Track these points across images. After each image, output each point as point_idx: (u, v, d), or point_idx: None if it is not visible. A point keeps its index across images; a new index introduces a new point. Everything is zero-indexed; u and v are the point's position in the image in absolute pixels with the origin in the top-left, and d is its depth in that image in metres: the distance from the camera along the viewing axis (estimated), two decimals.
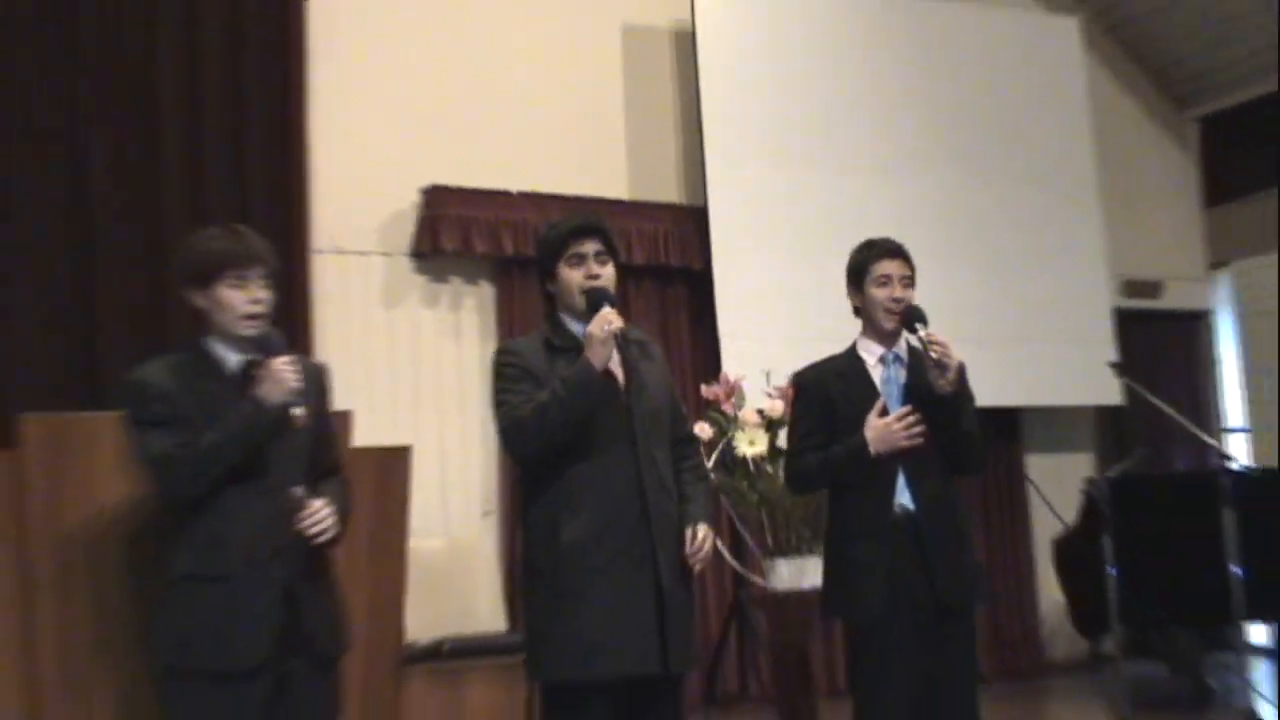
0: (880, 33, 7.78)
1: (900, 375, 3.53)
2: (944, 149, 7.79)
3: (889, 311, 3.50)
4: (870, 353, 3.57)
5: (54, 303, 5.93)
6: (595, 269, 3.17)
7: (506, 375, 3.15)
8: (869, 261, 3.55)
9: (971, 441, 3.51)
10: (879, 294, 3.52)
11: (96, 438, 3.24)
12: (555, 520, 3.07)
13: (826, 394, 3.54)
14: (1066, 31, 8.40)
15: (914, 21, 7.91)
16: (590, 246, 3.18)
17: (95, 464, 3.22)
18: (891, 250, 3.56)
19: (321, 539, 2.93)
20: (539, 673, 3.11)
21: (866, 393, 3.48)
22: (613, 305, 3.09)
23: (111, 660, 3.19)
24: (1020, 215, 7.92)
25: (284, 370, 2.88)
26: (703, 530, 3.20)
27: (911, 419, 3.37)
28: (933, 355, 3.38)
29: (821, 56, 7.58)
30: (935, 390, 3.40)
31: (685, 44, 7.37)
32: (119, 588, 3.19)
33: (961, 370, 3.46)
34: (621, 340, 3.12)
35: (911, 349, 3.55)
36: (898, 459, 3.40)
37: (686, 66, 7.36)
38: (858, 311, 3.62)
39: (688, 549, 3.16)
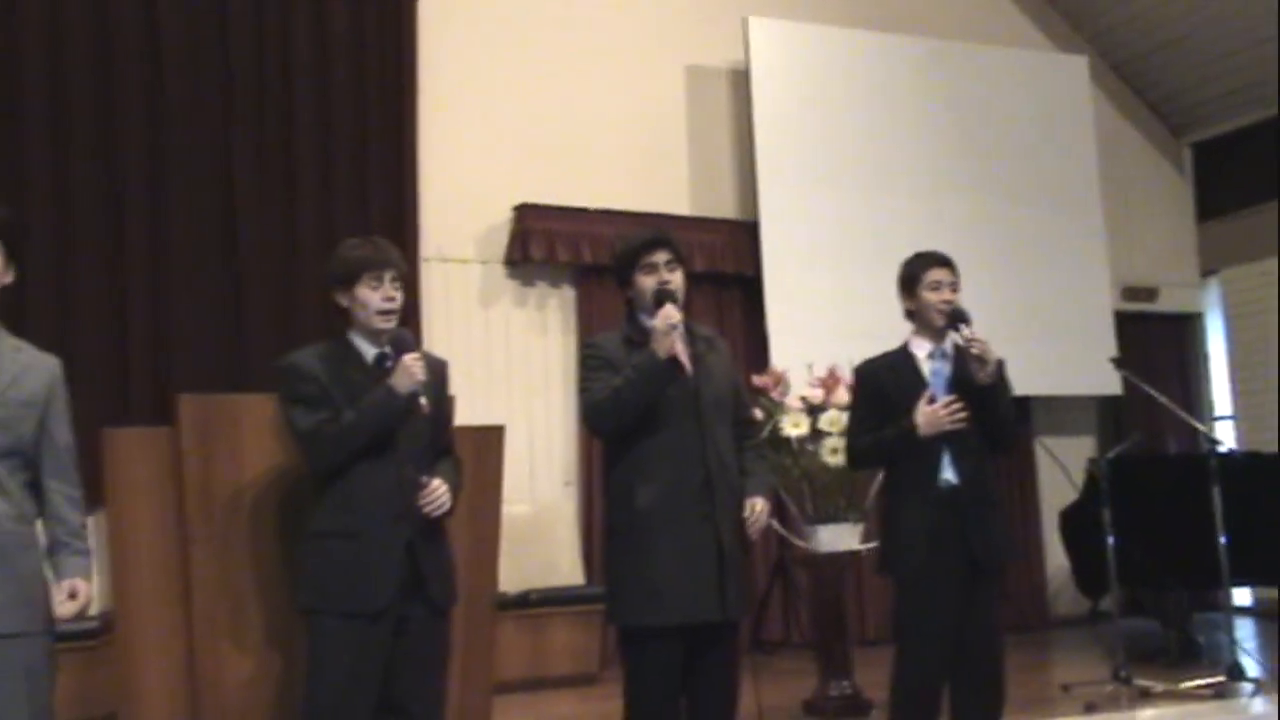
0: (912, 71, 7.69)
1: (946, 368, 3.48)
2: (968, 171, 7.69)
3: (941, 312, 3.44)
4: (920, 349, 3.52)
5: (207, 299, 6.04)
6: (666, 275, 3.15)
7: (590, 365, 3.16)
8: (922, 270, 3.49)
9: (1006, 425, 3.49)
10: (932, 297, 3.46)
11: (240, 415, 3.25)
12: (631, 486, 3.08)
13: (880, 385, 3.52)
14: (1076, 69, 8.26)
15: (942, 61, 7.81)
16: (661, 256, 3.16)
17: (240, 437, 3.23)
18: (942, 260, 3.51)
19: (438, 514, 2.95)
20: (617, 618, 3.11)
21: (916, 383, 3.45)
22: (675, 303, 3.08)
23: (256, 604, 3.21)
24: (1034, 229, 7.80)
25: (414, 364, 2.89)
26: (761, 503, 3.19)
27: (955, 406, 3.34)
28: (973, 351, 3.35)
29: (859, 92, 7.51)
30: (976, 381, 3.36)
31: (740, 82, 7.34)
32: (262, 542, 3.21)
33: (1000, 365, 3.43)
34: (689, 333, 3.11)
35: (956, 345, 3.49)
36: (942, 440, 3.37)
37: (741, 101, 7.34)
38: (910, 314, 3.55)
39: (746, 518, 3.15)
